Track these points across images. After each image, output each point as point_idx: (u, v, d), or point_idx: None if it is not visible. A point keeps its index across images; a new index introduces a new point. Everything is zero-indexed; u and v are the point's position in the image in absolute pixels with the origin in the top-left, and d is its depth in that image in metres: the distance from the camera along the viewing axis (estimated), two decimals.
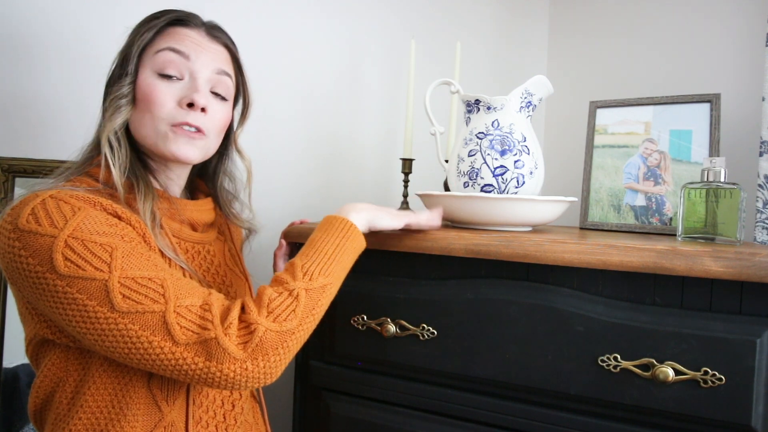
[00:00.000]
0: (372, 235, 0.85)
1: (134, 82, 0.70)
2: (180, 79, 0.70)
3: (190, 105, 0.70)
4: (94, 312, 0.57)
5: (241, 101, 0.83)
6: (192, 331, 0.58)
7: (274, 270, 0.95)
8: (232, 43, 0.79)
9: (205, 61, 0.72)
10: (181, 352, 0.58)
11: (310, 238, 0.71)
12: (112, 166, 0.67)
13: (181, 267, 0.69)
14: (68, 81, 0.98)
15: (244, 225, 0.89)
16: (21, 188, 0.94)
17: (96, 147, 0.71)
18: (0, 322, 0.91)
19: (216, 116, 0.73)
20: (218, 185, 0.86)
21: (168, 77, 0.70)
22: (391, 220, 0.78)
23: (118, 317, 0.57)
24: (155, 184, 0.74)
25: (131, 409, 0.64)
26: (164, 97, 0.69)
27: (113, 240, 0.59)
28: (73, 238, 0.57)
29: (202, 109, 0.71)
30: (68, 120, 0.99)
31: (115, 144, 0.68)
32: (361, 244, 0.74)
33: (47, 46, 0.97)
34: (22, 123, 0.96)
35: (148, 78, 0.70)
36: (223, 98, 0.75)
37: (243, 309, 0.61)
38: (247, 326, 0.60)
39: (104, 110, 0.71)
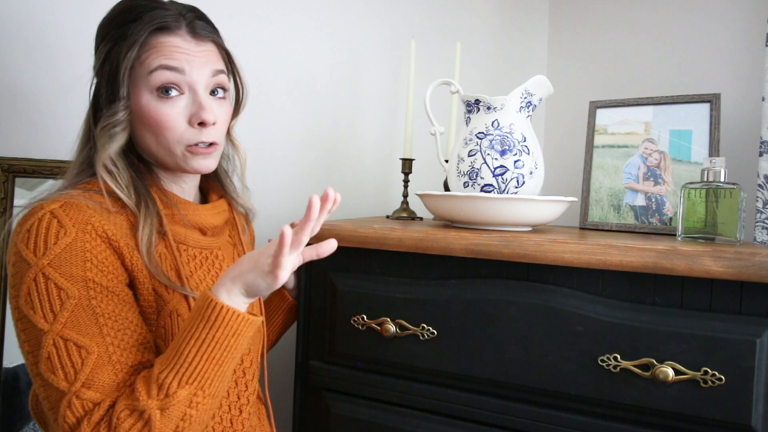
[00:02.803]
0: (372, 235, 0.85)
1: (129, 105, 0.68)
2: (181, 94, 0.68)
3: (201, 123, 0.69)
4: (27, 357, 0.60)
5: (234, 91, 0.80)
6: (69, 428, 0.57)
7: None
8: (217, 34, 0.74)
9: (199, 69, 0.69)
10: None
11: (180, 328, 0.61)
12: (116, 190, 0.66)
13: (179, 291, 0.69)
14: (69, 80, 0.98)
15: (240, 202, 0.87)
16: (21, 188, 0.94)
17: (90, 161, 0.70)
18: (0, 322, 0.91)
19: (221, 119, 0.72)
20: (219, 172, 0.85)
21: (168, 96, 0.67)
22: (264, 279, 0.61)
23: (36, 375, 0.59)
24: (168, 188, 0.74)
25: None
26: (173, 120, 0.68)
27: (75, 287, 0.59)
28: (42, 273, 0.58)
29: (213, 123, 0.70)
30: (68, 120, 0.99)
31: (113, 169, 0.67)
32: (240, 326, 0.59)
33: (48, 46, 0.97)
34: (22, 123, 0.96)
35: (149, 101, 0.67)
36: (222, 97, 0.74)
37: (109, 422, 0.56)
38: None
39: (96, 135, 0.68)
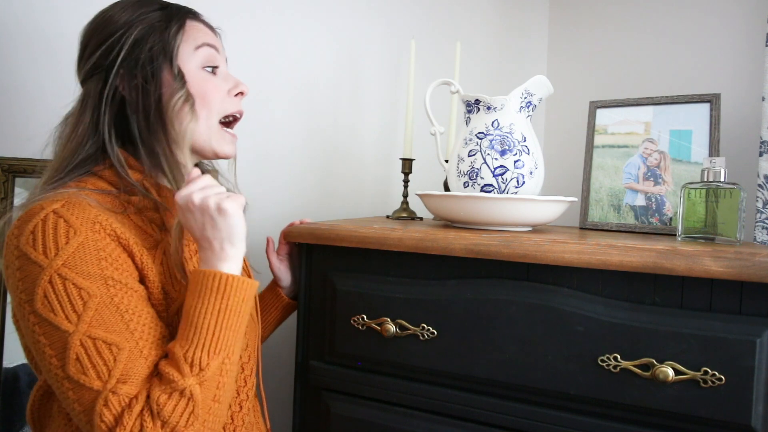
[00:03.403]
0: (372, 235, 0.85)
1: (185, 82, 0.70)
2: (217, 69, 0.75)
3: (239, 94, 0.76)
4: (50, 362, 0.57)
5: None
6: (107, 428, 0.56)
7: (273, 271, 0.95)
8: None
9: (223, 52, 0.77)
10: None
11: (185, 309, 0.63)
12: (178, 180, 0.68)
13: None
14: (69, 81, 0.98)
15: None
16: (21, 188, 0.94)
17: (100, 148, 0.68)
18: (0, 322, 0.91)
19: None
20: (206, 166, 0.86)
21: (213, 70, 0.74)
22: (238, 222, 0.66)
23: (64, 378, 0.57)
24: (168, 184, 0.74)
25: None
26: (217, 90, 0.73)
27: (94, 285, 0.58)
28: (58, 274, 0.57)
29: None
30: None
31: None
32: (247, 291, 0.64)
33: (48, 46, 0.97)
34: (22, 123, 0.96)
35: (198, 73, 0.72)
36: None
37: (145, 415, 0.57)
38: None
39: (168, 119, 0.68)
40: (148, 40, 0.69)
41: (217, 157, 0.76)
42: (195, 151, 0.75)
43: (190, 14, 0.74)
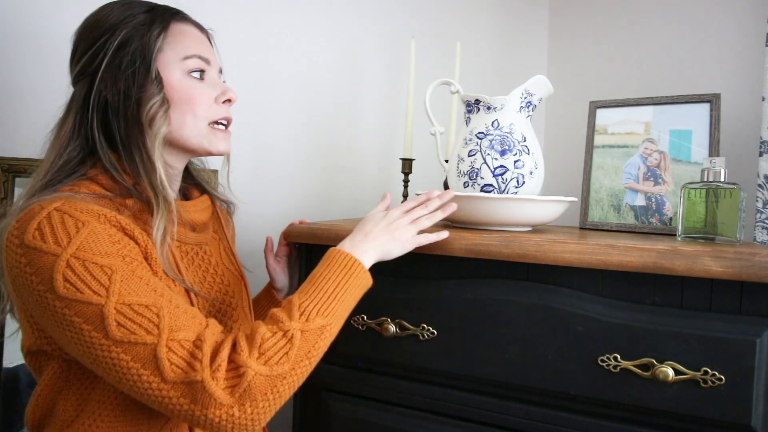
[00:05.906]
0: None
1: (162, 87, 0.70)
2: (204, 79, 0.75)
3: (227, 101, 0.76)
4: (90, 337, 0.57)
5: None
6: (181, 369, 0.57)
7: (268, 270, 0.95)
8: None
9: (214, 58, 0.77)
10: (168, 390, 0.57)
11: (311, 273, 0.70)
12: (164, 180, 0.68)
13: (183, 286, 0.69)
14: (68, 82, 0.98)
15: (221, 197, 0.88)
16: (21, 188, 0.94)
17: (84, 151, 0.69)
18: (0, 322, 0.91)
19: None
20: (197, 170, 0.86)
21: (200, 77, 0.74)
22: (402, 248, 0.77)
23: (111, 345, 0.57)
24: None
25: (136, 415, 0.65)
26: (204, 96, 0.73)
27: (114, 261, 0.59)
28: (75, 258, 0.57)
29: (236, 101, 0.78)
30: None
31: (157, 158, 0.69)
32: (366, 282, 0.73)
33: (46, 46, 0.97)
34: (22, 123, 0.96)
35: (182, 79, 0.72)
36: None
37: (234, 347, 0.60)
38: (236, 368, 0.58)
39: (144, 122, 0.69)
40: (131, 44, 0.69)
41: (211, 154, 0.77)
42: (187, 151, 0.75)
43: (176, 16, 0.74)
